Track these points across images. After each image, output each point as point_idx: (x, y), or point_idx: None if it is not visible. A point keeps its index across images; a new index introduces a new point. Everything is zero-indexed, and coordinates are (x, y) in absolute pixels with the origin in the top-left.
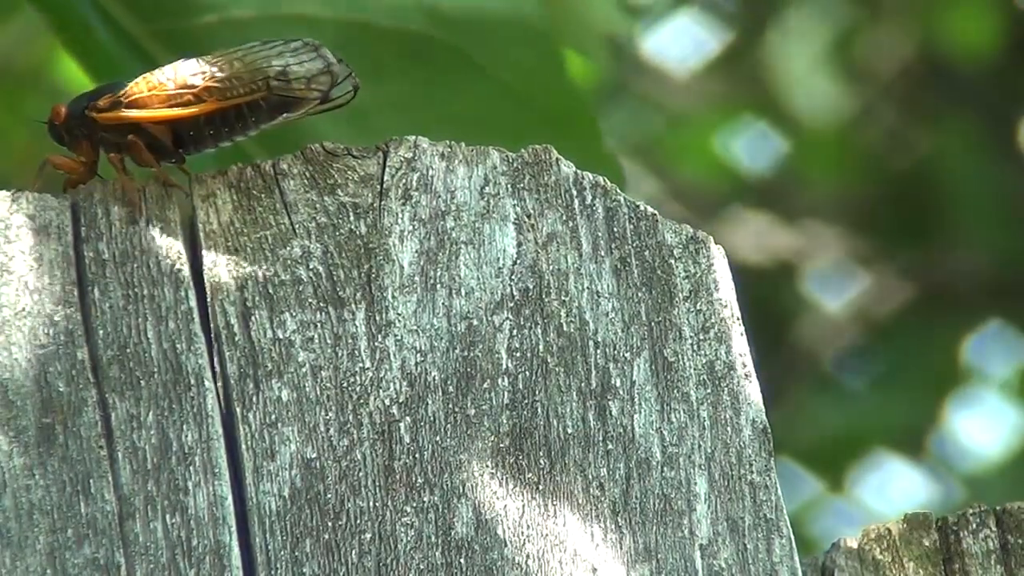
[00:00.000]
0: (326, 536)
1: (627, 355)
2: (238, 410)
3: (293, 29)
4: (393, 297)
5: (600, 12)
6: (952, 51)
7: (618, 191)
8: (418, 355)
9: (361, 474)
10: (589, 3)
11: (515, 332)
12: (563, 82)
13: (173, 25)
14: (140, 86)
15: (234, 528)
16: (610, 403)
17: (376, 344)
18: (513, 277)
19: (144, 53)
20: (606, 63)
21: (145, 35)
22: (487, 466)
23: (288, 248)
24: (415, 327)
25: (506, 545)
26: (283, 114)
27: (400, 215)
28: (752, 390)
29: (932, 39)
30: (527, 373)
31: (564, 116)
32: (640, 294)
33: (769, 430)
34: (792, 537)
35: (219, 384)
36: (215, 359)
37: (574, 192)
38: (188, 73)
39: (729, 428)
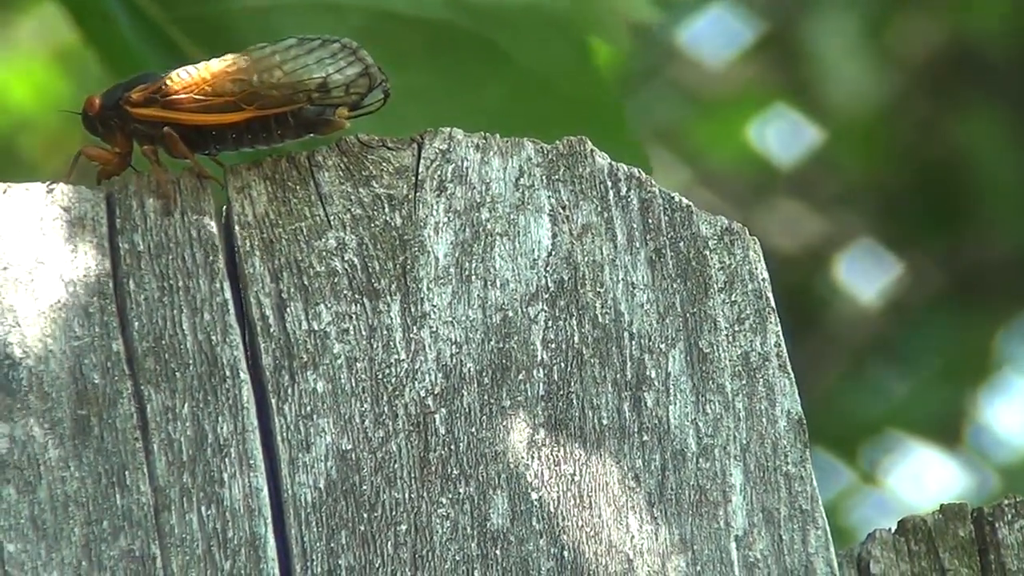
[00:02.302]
0: (362, 528)
1: (662, 346)
2: (273, 402)
3: (317, 16)
4: (428, 289)
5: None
6: (983, 39)
7: (653, 182)
8: (453, 347)
9: (396, 466)
10: None
11: (550, 323)
12: (589, 70)
13: (195, 11)
14: (176, 83)
15: (270, 520)
16: (645, 394)
17: (411, 336)
18: (548, 268)
19: (167, 40)
20: (636, 51)
21: (167, 22)
22: (522, 457)
23: (323, 240)
24: (450, 319)
25: (541, 536)
26: (311, 134)
27: (435, 207)
28: (787, 381)
29: (963, 27)
30: (562, 364)
31: (590, 104)
32: (675, 285)
33: (804, 421)
34: (827, 528)
35: (254, 376)
36: (250, 351)
37: (609, 183)
38: (227, 78)
39: (764, 419)
